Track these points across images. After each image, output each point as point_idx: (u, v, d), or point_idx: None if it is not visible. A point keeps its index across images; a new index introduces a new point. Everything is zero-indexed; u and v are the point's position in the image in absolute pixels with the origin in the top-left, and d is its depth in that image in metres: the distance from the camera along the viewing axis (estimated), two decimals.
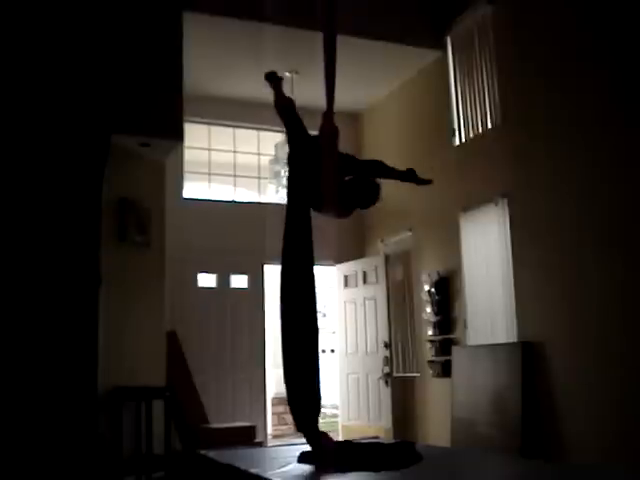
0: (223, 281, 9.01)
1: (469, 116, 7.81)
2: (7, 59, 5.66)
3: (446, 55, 8.12)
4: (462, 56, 7.95)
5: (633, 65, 5.75)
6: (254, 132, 9.53)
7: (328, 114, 4.66)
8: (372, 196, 4.80)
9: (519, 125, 6.94)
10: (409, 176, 4.91)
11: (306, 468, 4.35)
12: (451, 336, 7.77)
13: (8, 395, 5.25)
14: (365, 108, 9.60)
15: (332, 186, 4.51)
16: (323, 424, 13.16)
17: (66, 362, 5.57)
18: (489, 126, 7.47)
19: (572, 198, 6.25)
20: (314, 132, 4.76)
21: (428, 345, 8.11)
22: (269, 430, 10.20)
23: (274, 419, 12.05)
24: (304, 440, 4.65)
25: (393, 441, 4.71)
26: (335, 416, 12.04)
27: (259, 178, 9.55)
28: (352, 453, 4.41)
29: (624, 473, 4.09)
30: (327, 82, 4.68)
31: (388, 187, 8.49)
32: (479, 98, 7.64)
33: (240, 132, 9.50)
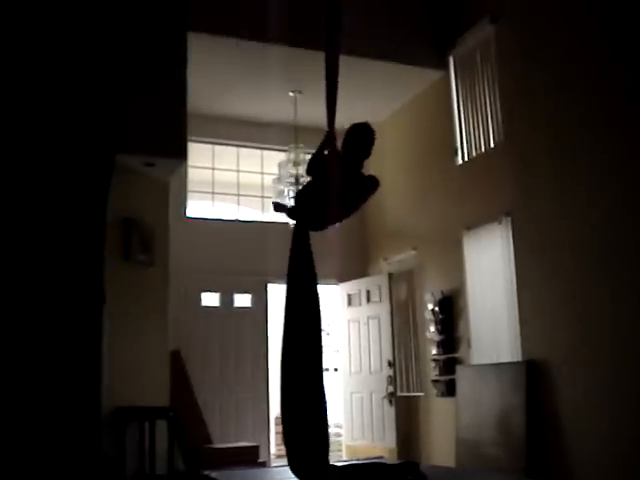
0: (226, 300, 9.01)
1: (472, 135, 7.83)
2: (11, 78, 5.69)
3: (448, 74, 8.16)
4: (465, 75, 7.99)
5: (637, 83, 5.77)
6: (258, 151, 9.57)
7: (330, 132, 4.63)
8: (370, 187, 4.70)
9: (522, 143, 6.96)
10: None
11: None
12: (455, 355, 7.75)
13: (11, 414, 5.23)
14: None
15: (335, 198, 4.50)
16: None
17: (69, 381, 5.55)
18: (492, 145, 7.50)
19: (576, 216, 6.25)
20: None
21: (432, 364, 8.08)
22: (272, 450, 10.15)
23: (277, 439, 11.97)
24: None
25: (397, 462, 4.68)
26: (339, 435, 11.98)
27: (262, 197, 9.57)
28: (356, 474, 4.38)
29: None
30: (328, 101, 4.69)
31: (392, 206, 8.54)
32: (482, 117, 7.67)
33: (244, 151, 9.53)
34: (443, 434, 7.79)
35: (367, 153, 4.70)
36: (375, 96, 8.71)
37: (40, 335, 5.47)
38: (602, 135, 6.06)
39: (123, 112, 6.34)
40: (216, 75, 8.04)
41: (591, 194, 6.11)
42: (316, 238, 9.58)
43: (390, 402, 8.71)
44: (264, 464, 7.52)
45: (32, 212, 5.63)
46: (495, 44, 7.43)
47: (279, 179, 8.20)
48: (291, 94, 8.45)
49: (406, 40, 8.02)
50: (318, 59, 7.40)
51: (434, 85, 8.37)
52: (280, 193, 8.16)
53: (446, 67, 8.17)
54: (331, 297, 10.23)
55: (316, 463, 4.18)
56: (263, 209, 9.70)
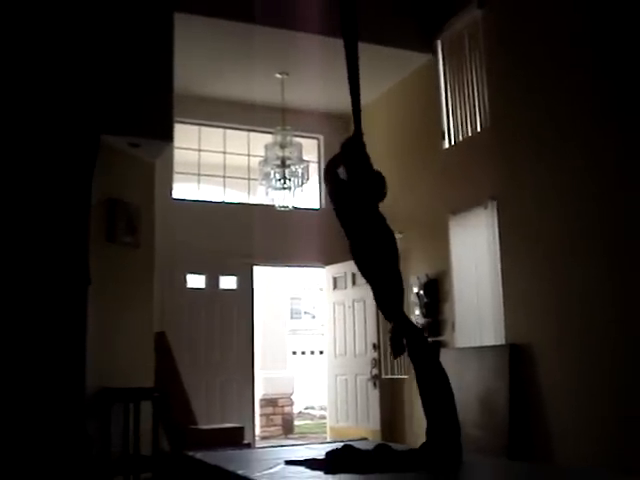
0: (212, 282, 9.01)
1: (459, 119, 7.84)
2: None
3: (436, 58, 8.15)
4: (452, 59, 7.99)
5: (623, 68, 5.79)
6: (244, 133, 9.54)
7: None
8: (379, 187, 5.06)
9: (508, 128, 6.98)
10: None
11: (298, 470, 4.35)
12: (439, 338, 7.80)
13: None
14: None
15: None
16: (312, 425, 13.16)
17: (54, 363, 5.55)
18: (478, 129, 7.51)
19: (561, 201, 6.28)
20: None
21: None
22: (257, 431, 10.21)
23: (262, 420, 12.07)
24: (293, 442, 4.68)
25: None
26: (323, 418, 12.06)
27: (249, 179, 9.56)
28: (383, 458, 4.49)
29: (607, 476, 4.12)
30: (354, 104, 4.91)
31: None
32: (469, 101, 7.68)
33: (230, 133, 9.50)
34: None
35: (366, 158, 5.11)
36: (362, 79, 8.59)
37: (24, 316, 5.46)
38: (589, 120, 6.08)
39: (106, 92, 6.31)
40: (203, 56, 7.99)
41: (577, 179, 6.14)
42: (302, 221, 9.62)
43: (374, 384, 8.76)
44: (249, 445, 7.56)
45: (17, 193, 5.60)
46: (482, 28, 7.42)
47: (266, 161, 8.19)
48: (278, 76, 8.42)
49: (394, 23, 7.99)
50: (305, 41, 7.42)
51: (421, 69, 8.36)
52: (266, 175, 8.15)
53: (434, 51, 8.16)
54: (317, 280, 10.27)
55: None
56: (249, 191, 9.69)
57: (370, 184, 4.98)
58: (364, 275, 4.99)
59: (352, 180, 5.00)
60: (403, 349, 4.95)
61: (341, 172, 5.04)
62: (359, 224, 4.90)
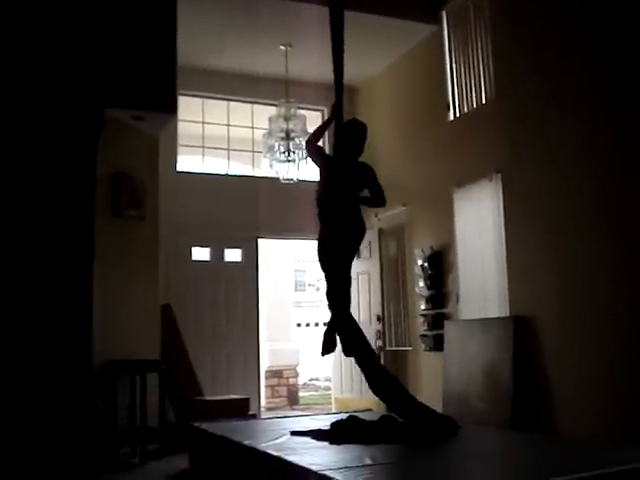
0: (217, 255, 9.04)
1: (463, 91, 7.80)
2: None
3: (441, 30, 8.09)
4: (457, 31, 7.92)
5: (627, 44, 5.74)
6: (248, 105, 9.50)
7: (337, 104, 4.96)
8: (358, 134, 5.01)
9: (513, 100, 6.94)
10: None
11: (303, 440, 4.40)
12: (444, 310, 7.82)
13: (3, 370, 5.28)
14: (360, 82, 9.55)
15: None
16: (317, 397, 13.25)
17: (61, 336, 5.59)
18: (483, 101, 7.47)
19: (566, 174, 6.26)
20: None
21: (421, 319, 8.16)
22: (262, 402, 10.29)
23: (267, 392, 12.15)
24: (298, 413, 4.76)
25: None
26: (328, 389, 12.15)
27: (253, 152, 9.54)
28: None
29: (610, 449, 4.16)
30: (336, 72, 4.89)
31: (382, 162, 8.54)
32: (474, 73, 7.63)
33: (234, 105, 9.46)
34: (431, 388, 7.89)
35: (362, 145, 5.01)
36: (367, 51, 8.62)
37: (30, 290, 5.49)
38: (593, 93, 6.04)
39: (110, 65, 6.29)
40: (206, 28, 7.93)
41: (581, 151, 6.12)
42: (306, 194, 9.58)
43: (379, 356, 8.80)
44: (254, 416, 7.62)
45: (21, 167, 5.61)
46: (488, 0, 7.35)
47: (270, 134, 8.16)
48: (282, 47, 8.37)
49: None
50: (308, 12, 7.35)
51: (427, 40, 8.29)
52: (271, 148, 8.13)
53: (439, 22, 8.08)
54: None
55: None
56: (254, 164, 9.67)
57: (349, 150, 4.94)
58: (322, 266, 4.93)
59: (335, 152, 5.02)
60: (333, 347, 4.89)
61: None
62: (334, 210, 4.85)
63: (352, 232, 4.89)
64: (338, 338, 4.90)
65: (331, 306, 4.87)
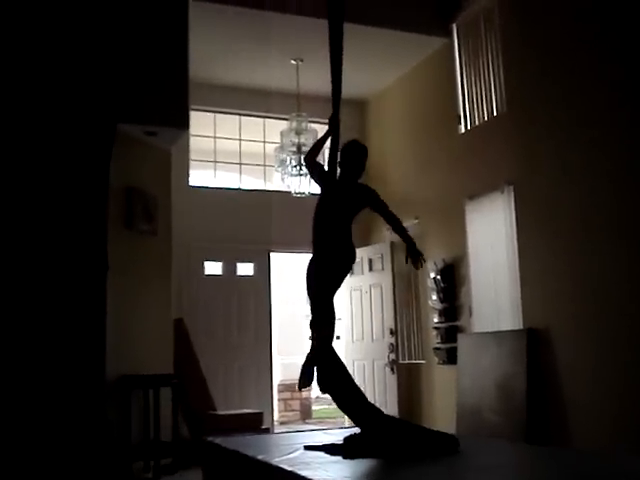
0: (229, 269, 9.05)
1: (475, 103, 7.80)
2: (14, 47, 5.67)
3: (452, 42, 8.10)
4: (468, 43, 7.93)
5: (638, 52, 5.73)
6: (260, 120, 9.54)
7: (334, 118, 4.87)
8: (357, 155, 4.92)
9: (524, 112, 6.93)
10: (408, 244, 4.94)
11: (317, 455, 4.38)
12: (456, 323, 7.80)
13: (17, 383, 5.29)
14: (371, 95, 9.58)
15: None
16: (330, 410, 13.19)
17: (74, 350, 5.61)
18: (495, 113, 7.47)
19: (578, 185, 6.25)
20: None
21: (434, 332, 8.14)
22: (276, 417, 10.27)
23: (280, 405, 12.13)
24: (311, 427, 4.71)
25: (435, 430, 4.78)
26: None
27: (265, 166, 9.57)
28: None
29: (626, 460, 4.12)
30: (334, 87, 4.86)
31: (394, 174, 8.54)
32: (485, 85, 7.63)
33: (246, 120, 9.50)
34: (444, 401, 7.86)
35: (362, 168, 4.90)
36: (378, 64, 8.66)
37: (44, 304, 5.51)
38: (606, 103, 6.03)
39: (122, 81, 6.33)
40: (217, 43, 7.98)
41: (594, 163, 6.10)
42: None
43: (392, 369, 8.78)
44: (267, 430, 7.61)
45: (35, 182, 5.65)
46: (498, 12, 7.36)
47: (281, 148, 8.19)
48: (293, 62, 8.40)
49: (409, 7, 7.93)
50: (319, 27, 7.36)
51: (437, 53, 8.31)
52: (282, 162, 8.15)
53: (449, 35, 8.10)
54: None
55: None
56: (265, 178, 9.70)
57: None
58: (308, 291, 4.81)
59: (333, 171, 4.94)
60: (310, 381, 4.74)
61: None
62: (326, 235, 4.80)
63: (341, 260, 4.79)
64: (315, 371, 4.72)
65: (312, 337, 4.73)
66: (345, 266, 4.83)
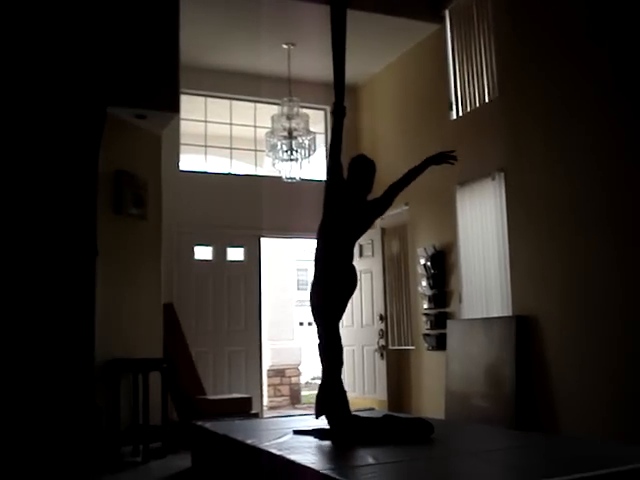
0: (219, 254, 9.03)
1: (466, 90, 7.78)
2: (2, 30, 5.61)
3: (444, 28, 8.07)
4: (460, 29, 7.90)
5: (632, 41, 5.73)
6: (251, 104, 9.49)
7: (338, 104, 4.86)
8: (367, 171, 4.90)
9: (516, 99, 6.93)
10: (430, 161, 4.96)
11: (306, 440, 4.40)
12: (446, 310, 7.82)
13: (5, 368, 5.28)
14: (362, 81, 9.55)
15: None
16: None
17: (63, 334, 5.59)
18: (486, 100, 7.46)
19: (569, 173, 6.26)
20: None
21: (423, 318, 8.16)
22: (265, 402, 10.29)
23: (270, 391, 12.15)
24: (299, 412, 4.73)
25: (410, 417, 4.81)
26: None
27: (255, 150, 9.54)
28: (373, 427, 4.50)
29: (611, 446, 4.15)
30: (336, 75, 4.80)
31: (385, 160, 8.52)
32: (477, 72, 7.62)
33: (236, 104, 9.46)
34: (433, 387, 7.89)
35: (371, 183, 4.95)
36: (369, 49, 8.62)
37: (33, 288, 5.49)
38: (597, 91, 6.04)
39: (112, 64, 6.28)
40: (209, 27, 7.93)
41: (585, 150, 6.11)
42: (309, 193, 9.59)
43: (381, 355, 8.81)
44: (257, 415, 7.63)
45: (23, 165, 5.61)
46: None
47: (272, 132, 8.16)
48: (284, 46, 8.36)
49: None
50: (311, 11, 7.35)
51: (429, 39, 8.29)
52: (273, 146, 8.13)
53: (442, 21, 8.07)
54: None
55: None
56: (256, 163, 9.67)
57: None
58: (313, 311, 4.79)
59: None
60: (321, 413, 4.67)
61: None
62: (332, 256, 4.75)
63: (345, 282, 4.75)
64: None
65: (323, 364, 4.72)
66: (349, 289, 4.79)
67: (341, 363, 4.74)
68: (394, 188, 4.96)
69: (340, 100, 4.89)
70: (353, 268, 4.80)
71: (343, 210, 4.79)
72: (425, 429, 4.45)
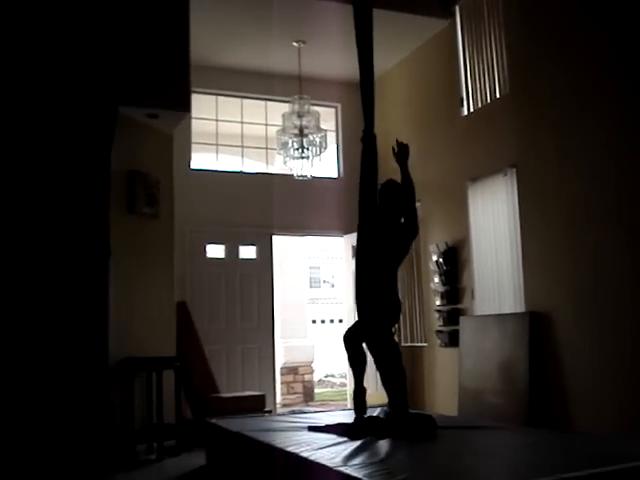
0: (232, 252, 9.05)
1: (477, 86, 7.76)
2: (16, 31, 5.65)
3: (454, 24, 8.05)
4: (471, 25, 7.88)
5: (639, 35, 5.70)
6: (261, 102, 9.50)
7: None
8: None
9: (527, 94, 6.90)
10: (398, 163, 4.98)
11: (320, 437, 4.40)
12: (459, 306, 7.80)
13: (21, 367, 5.32)
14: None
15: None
16: (333, 393, 13.25)
17: (77, 333, 5.63)
18: (497, 96, 7.43)
19: (581, 168, 6.23)
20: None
21: (436, 315, 8.15)
22: (278, 399, 10.30)
23: (283, 388, 12.17)
24: (312, 410, 4.80)
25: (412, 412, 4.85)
26: (343, 385, 12.15)
27: (267, 149, 9.55)
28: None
29: (625, 442, 4.14)
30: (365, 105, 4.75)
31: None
32: (487, 67, 7.59)
33: (247, 102, 9.46)
34: (446, 383, 7.88)
35: (402, 207, 4.94)
36: (380, 45, 8.47)
37: (47, 288, 5.53)
38: (610, 86, 6.01)
39: (124, 64, 6.31)
40: (219, 26, 7.94)
41: (597, 145, 6.08)
42: (321, 190, 9.61)
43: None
44: (270, 412, 7.64)
45: (35, 166, 5.64)
46: None
47: (283, 130, 8.16)
48: (295, 44, 8.36)
49: None
50: (321, 9, 7.35)
51: (440, 35, 8.27)
52: (284, 144, 8.13)
53: (452, 16, 8.05)
54: (336, 249, 10.28)
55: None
56: (267, 161, 9.68)
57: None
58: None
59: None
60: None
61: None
62: (374, 284, 4.76)
63: (389, 315, 4.82)
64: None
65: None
66: (391, 320, 4.90)
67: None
68: (412, 207, 4.93)
69: (370, 127, 4.90)
70: (395, 297, 4.83)
71: (378, 237, 4.80)
72: (430, 425, 4.47)
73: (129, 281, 6.61)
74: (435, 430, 4.47)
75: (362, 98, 4.90)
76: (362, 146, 4.96)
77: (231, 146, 9.47)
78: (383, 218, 4.88)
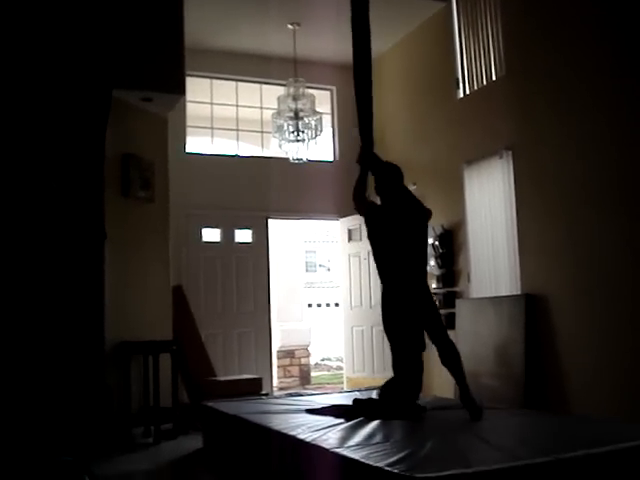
0: (227, 235, 9.03)
1: (473, 68, 7.73)
2: (7, 15, 5.60)
3: (450, 6, 8.01)
4: (466, 7, 7.84)
5: (637, 15, 5.67)
6: (256, 85, 9.46)
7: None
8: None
9: (524, 77, 6.88)
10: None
11: (316, 419, 4.41)
12: (455, 289, 7.81)
13: (16, 351, 5.31)
14: None
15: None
16: (329, 376, 13.29)
17: (73, 317, 5.62)
18: (493, 78, 7.40)
19: (578, 149, 6.22)
20: None
21: None
22: (275, 382, 10.33)
23: (279, 372, 12.20)
24: (310, 393, 4.83)
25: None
26: (340, 368, 12.18)
27: (262, 132, 9.51)
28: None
29: (620, 425, 4.16)
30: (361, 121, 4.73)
31: (392, 140, 8.50)
32: (483, 50, 7.56)
33: (242, 85, 9.42)
34: (442, 367, 7.88)
35: (400, 187, 5.00)
36: (376, 28, 8.42)
37: (42, 271, 5.51)
38: (606, 68, 5.98)
39: (117, 47, 6.26)
40: (213, 8, 7.88)
41: (593, 128, 6.07)
42: (316, 174, 9.58)
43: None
44: (267, 395, 7.66)
45: (29, 149, 5.61)
46: None
47: (278, 113, 8.12)
48: (290, 27, 8.31)
49: None
50: None
51: (435, 17, 8.23)
52: (280, 128, 8.10)
53: None
54: (332, 232, 10.27)
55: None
56: (263, 144, 9.64)
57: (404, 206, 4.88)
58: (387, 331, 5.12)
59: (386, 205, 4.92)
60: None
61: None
62: (392, 259, 4.76)
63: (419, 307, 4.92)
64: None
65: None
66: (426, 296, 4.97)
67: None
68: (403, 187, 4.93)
69: (367, 147, 4.87)
70: (427, 291, 4.94)
71: (383, 223, 4.88)
72: (418, 407, 4.53)
73: (125, 265, 6.60)
74: (420, 413, 4.53)
75: (359, 118, 4.86)
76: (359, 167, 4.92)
77: (226, 129, 9.43)
78: (382, 202, 4.88)
